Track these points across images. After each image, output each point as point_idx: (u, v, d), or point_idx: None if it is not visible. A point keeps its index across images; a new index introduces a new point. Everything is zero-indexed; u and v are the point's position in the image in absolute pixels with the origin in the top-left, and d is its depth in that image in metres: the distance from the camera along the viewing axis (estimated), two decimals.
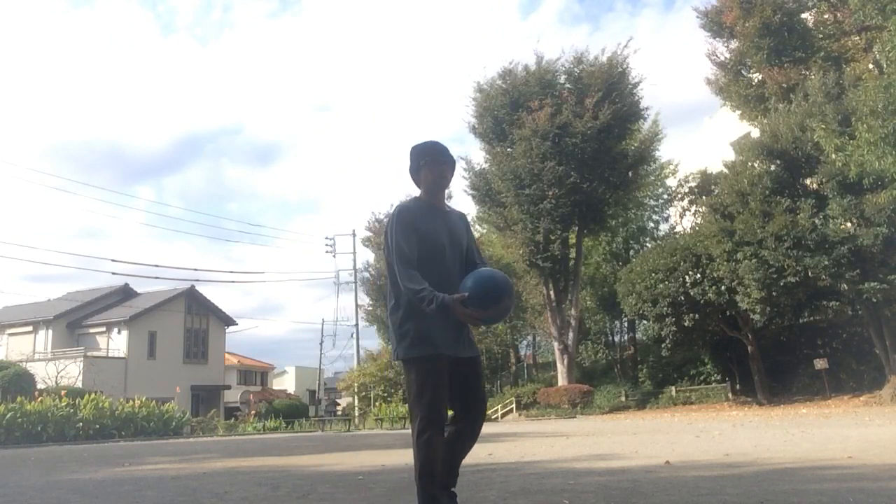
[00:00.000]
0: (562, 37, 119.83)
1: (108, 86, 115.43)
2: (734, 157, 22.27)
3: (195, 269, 44.60)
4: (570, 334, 25.09)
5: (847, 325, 20.50)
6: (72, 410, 15.83)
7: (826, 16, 22.51)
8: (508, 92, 25.20)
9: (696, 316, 19.92)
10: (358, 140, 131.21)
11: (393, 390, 30.66)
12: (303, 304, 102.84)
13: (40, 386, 20.68)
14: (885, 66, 14.75)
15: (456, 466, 2.80)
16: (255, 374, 51.19)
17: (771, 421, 12.12)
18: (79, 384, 24.69)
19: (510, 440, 9.17)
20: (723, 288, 18.64)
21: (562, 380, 25.00)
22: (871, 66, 19.51)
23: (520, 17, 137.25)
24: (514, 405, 26.04)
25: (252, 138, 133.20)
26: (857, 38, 20.88)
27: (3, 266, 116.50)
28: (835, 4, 21.75)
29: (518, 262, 25.81)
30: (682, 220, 28.09)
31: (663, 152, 29.24)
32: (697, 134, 36.84)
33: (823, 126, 15.94)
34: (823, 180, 17.07)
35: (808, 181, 18.64)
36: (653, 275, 20.46)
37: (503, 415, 25.84)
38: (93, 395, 17.20)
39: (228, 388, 38.10)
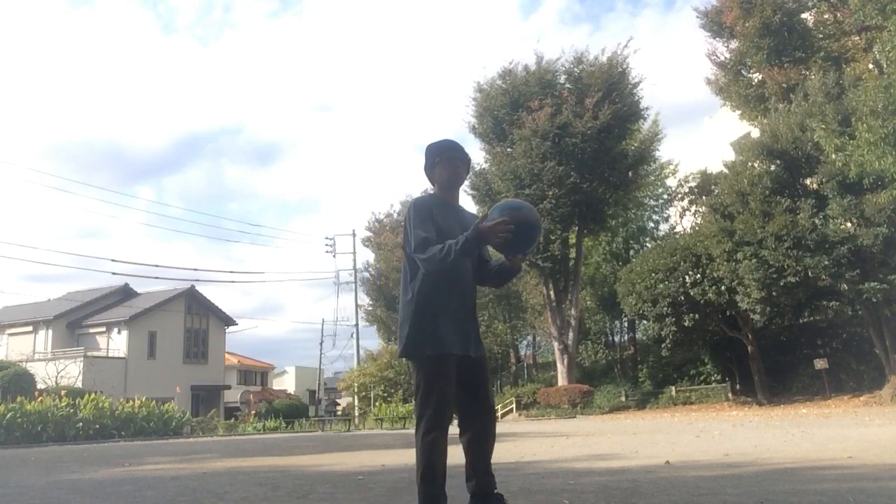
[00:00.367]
0: (562, 37, 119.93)
1: (108, 86, 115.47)
2: (734, 157, 22.27)
3: (195, 269, 44.64)
4: (570, 334, 25.09)
5: (847, 325, 20.50)
6: (72, 410, 15.82)
7: (826, 16, 22.51)
8: (508, 92, 25.20)
9: (696, 316, 19.92)
10: (358, 140, 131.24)
11: (393, 390, 30.67)
12: (303, 304, 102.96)
13: (40, 386, 20.68)
14: (885, 66, 14.75)
15: (488, 468, 2.77)
16: (255, 374, 51.20)
17: (771, 421, 12.12)
18: (79, 384, 24.69)
19: (510, 440, 9.16)
20: (723, 288, 18.64)
21: (562, 380, 25.00)
22: (871, 66, 19.51)
23: (520, 17, 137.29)
24: (514, 405, 26.05)
25: (252, 138, 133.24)
26: (857, 38, 20.88)
27: (3, 266, 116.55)
28: (835, 4, 21.75)
29: None
30: (682, 220, 28.10)
31: (663, 152, 29.29)
32: (697, 134, 36.86)
33: (823, 126, 15.93)
34: (823, 180, 17.07)
35: (808, 181, 18.64)
36: (653, 275, 20.46)
37: (503, 415, 25.85)
38: (93, 395, 17.19)
39: (228, 388, 38.11)
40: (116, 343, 31.42)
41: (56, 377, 25.20)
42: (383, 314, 37.04)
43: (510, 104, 25.00)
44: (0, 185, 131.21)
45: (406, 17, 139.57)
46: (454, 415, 2.83)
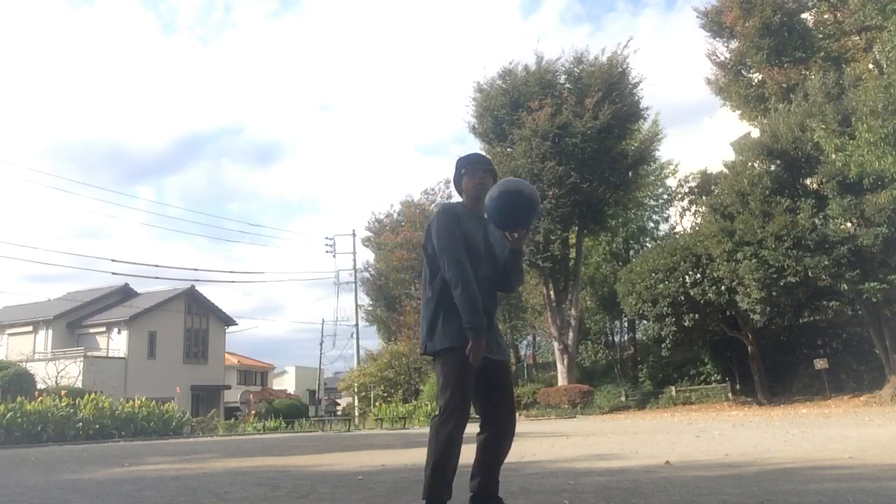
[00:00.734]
0: (563, 37, 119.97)
1: (108, 86, 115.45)
2: (734, 157, 22.26)
3: (195, 269, 44.68)
4: (570, 334, 25.08)
5: (847, 325, 20.49)
6: (72, 410, 15.82)
7: (826, 16, 22.50)
8: (508, 92, 25.19)
9: (696, 316, 19.91)
10: (358, 140, 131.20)
11: (393, 390, 30.66)
12: (303, 304, 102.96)
13: (40, 386, 20.67)
14: (885, 66, 14.74)
15: (496, 471, 2.80)
16: (255, 374, 51.20)
17: (771, 421, 12.12)
18: (79, 384, 24.69)
19: None
20: (723, 288, 18.63)
21: (562, 380, 24.99)
22: (871, 66, 19.51)
23: (521, 17, 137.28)
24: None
25: (253, 138, 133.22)
26: (857, 38, 20.87)
27: (3, 266, 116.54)
28: (835, 4, 21.75)
29: None
30: (682, 220, 28.07)
31: (663, 152, 29.24)
32: (697, 134, 36.85)
33: (823, 126, 15.93)
34: (823, 180, 17.06)
35: (808, 181, 18.63)
36: (653, 275, 20.45)
37: None
38: (93, 395, 17.18)
39: (228, 388, 38.11)
40: (116, 343, 31.41)
41: (56, 377, 25.20)
42: (383, 314, 37.05)
43: (510, 104, 24.99)
44: (0, 185, 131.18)
45: (406, 17, 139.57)
46: (477, 415, 2.86)
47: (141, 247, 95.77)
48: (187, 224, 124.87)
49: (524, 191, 2.79)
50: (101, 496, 4.27)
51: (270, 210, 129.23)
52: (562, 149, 23.37)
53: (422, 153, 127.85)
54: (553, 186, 23.12)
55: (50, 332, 31.70)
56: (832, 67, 19.63)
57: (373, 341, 51.60)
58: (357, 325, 37.20)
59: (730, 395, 22.00)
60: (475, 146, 27.26)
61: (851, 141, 14.01)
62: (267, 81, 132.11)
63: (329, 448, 9.81)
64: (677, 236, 24.88)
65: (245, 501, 3.73)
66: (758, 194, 17.87)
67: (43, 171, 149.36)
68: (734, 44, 24.09)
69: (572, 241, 26.14)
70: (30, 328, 32.21)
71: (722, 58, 24.80)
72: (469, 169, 3.00)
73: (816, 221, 16.88)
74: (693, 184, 26.45)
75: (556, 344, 25.67)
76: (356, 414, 30.90)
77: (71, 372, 26.84)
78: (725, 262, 18.31)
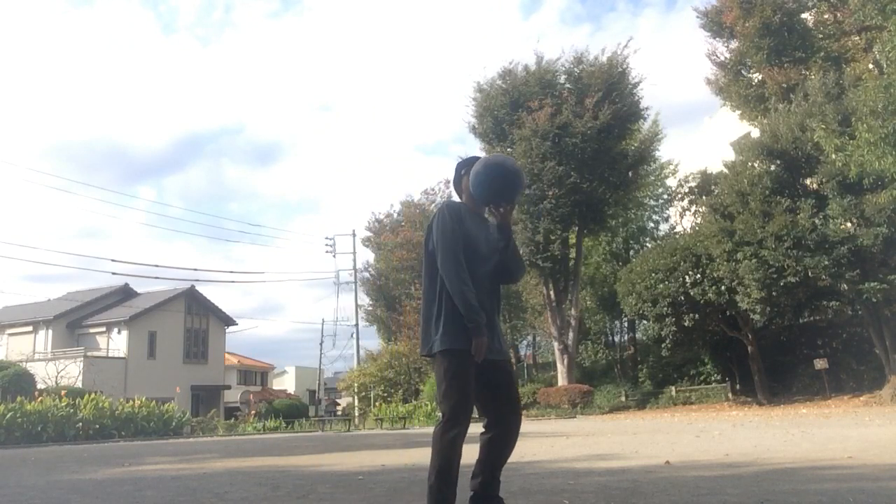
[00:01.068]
0: (563, 36, 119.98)
1: (108, 86, 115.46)
2: (734, 157, 22.25)
3: (195, 269, 44.68)
4: (570, 334, 25.08)
5: (847, 325, 20.49)
6: (72, 410, 15.82)
7: (826, 16, 22.49)
8: (508, 92, 25.18)
9: (696, 316, 19.91)
10: (358, 140, 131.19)
11: (393, 390, 30.66)
12: (303, 304, 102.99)
13: (40, 386, 20.67)
14: (885, 66, 14.74)
15: (497, 472, 2.80)
16: (255, 374, 51.20)
17: (771, 421, 12.12)
18: (79, 384, 24.69)
19: None
20: (723, 288, 18.63)
21: (562, 380, 24.99)
22: (871, 66, 19.50)
23: (521, 17, 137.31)
24: None
25: (253, 138, 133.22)
26: (857, 38, 20.87)
27: (3, 266, 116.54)
28: (835, 4, 21.74)
29: None
30: (682, 220, 28.07)
31: (663, 152, 29.23)
32: (697, 134, 36.85)
33: (823, 126, 15.92)
34: (823, 180, 17.06)
35: (808, 181, 18.63)
36: (653, 275, 20.45)
37: None
38: (93, 395, 17.18)
39: (228, 388, 38.11)
40: (116, 343, 31.41)
41: (56, 377, 25.20)
42: (383, 314, 37.05)
43: (510, 104, 24.98)
44: (0, 185, 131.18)
45: (406, 18, 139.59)
46: (483, 417, 2.86)
47: (141, 247, 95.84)
48: (187, 224, 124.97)
49: (507, 163, 2.88)
50: (101, 496, 4.28)
51: (270, 210, 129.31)
52: (562, 149, 23.37)
53: (422, 153, 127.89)
54: (553, 186, 23.12)
55: (50, 332, 31.70)
56: (832, 67, 19.63)
57: (373, 341, 51.64)
58: (357, 325, 37.23)
59: (730, 395, 21.99)
60: (475, 146, 27.27)
61: (851, 141, 14.00)
62: (267, 81, 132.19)
63: (329, 448, 9.81)
64: (677, 236, 24.87)
65: (245, 501, 3.73)
66: (758, 194, 17.87)
67: (43, 171, 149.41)
68: (734, 44, 24.08)
69: (572, 241, 26.14)
70: (30, 328, 32.21)
71: (722, 58, 24.80)
72: (468, 170, 3.02)
73: (816, 221, 16.87)
74: (693, 184, 26.45)
75: (556, 344, 25.67)
76: (356, 414, 30.90)
77: (71, 372, 26.84)
78: (725, 262, 18.31)
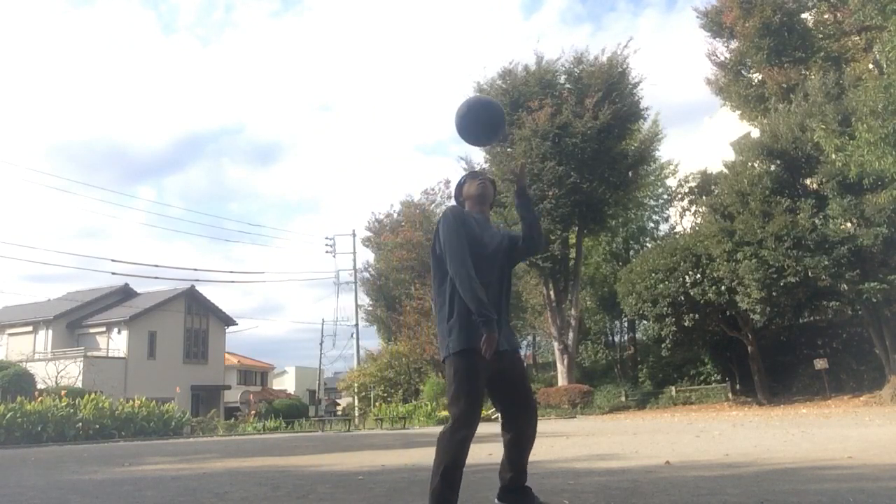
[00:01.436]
0: (564, 36, 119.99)
1: (109, 86, 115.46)
2: (734, 157, 22.25)
3: (195, 269, 44.72)
4: (570, 334, 25.08)
5: (847, 325, 20.49)
6: (72, 410, 15.82)
7: (826, 16, 22.49)
8: (508, 92, 25.18)
9: (696, 316, 19.90)
10: (358, 140, 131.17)
11: (392, 390, 30.66)
12: (303, 304, 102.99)
13: (40, 386, 20.66)
14: (885, 66, 14.73)
15: (524, 464, 2.89)
16: (255, 374, 51.19)
17: (771, 421, 12.12)
18: (79, 384, 24.68)
19: None
20: (723, 288, 18.63)
21: (562, 380, 24.99)
22: (871, 66, 19.50)
23: (522, 17, 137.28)
24: None
25: (253, 138, 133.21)
26: (857, 38, 20.86)
27: (3, 266, 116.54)
28: (835, 4, 21.74)
29: None
30: (682, 220, 28.07)
31: (663, 152, 29.25)
32: (697, 134, 36.85)
33: (823, 126, 15.92)
34: (823, 180, 17.06)
35: (808, 181, 18.63)
36: (653, 275, 20.45)
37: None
38: (93, 395, 17.18)
39: (228, 388, 38.11)
40: (116, 343, 31.41)
41: (56, 377, 25.19)
42: (383, 314, 37.02)
43: (510, 104, 24.97)
44: (0, 185, 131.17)
45: (406, 17, 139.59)
46: (497, 412, 2.93)
47: (141, 247, 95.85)
48: (187, 224, 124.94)
49: (482, 98, 3.18)
50: (101, 496, 4.27)
51: (270, 210, 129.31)
52: (562, 149, 23.37)
53: (422, 153, 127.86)
54: (553, 186, 23.12)
55: (50, 332, 31.70)
56: (832, 67, 19.63)
57: (373, 341, 51.65)
58: (357, 325, 37.24)
59: (730, 395, 22.00)
60: (475, 146, 27.22)
61: (851, 141, 14.00)
62: (267, 81, 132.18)
63: (329, 448, 9.81)
64: (677, 236, 24.87)
65: (245, 501, 3.74)
66: (758, 194, 17.87)
67: (43, 171, 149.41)
68: (734, 44, 24.07)
69: (572, 241, 26.14)
70: (30, 328, 32.21)
71: (722, 58, 24.79)
72: (469, 177, 3.17)
73: (816, 221, 16.87)
74: (693, 184, 26.45)
75: (556, 344, 25.67)
76: (356, 414, 30.90)
77: (71, 372, 26.83)
78: (725, 262, 18.31)
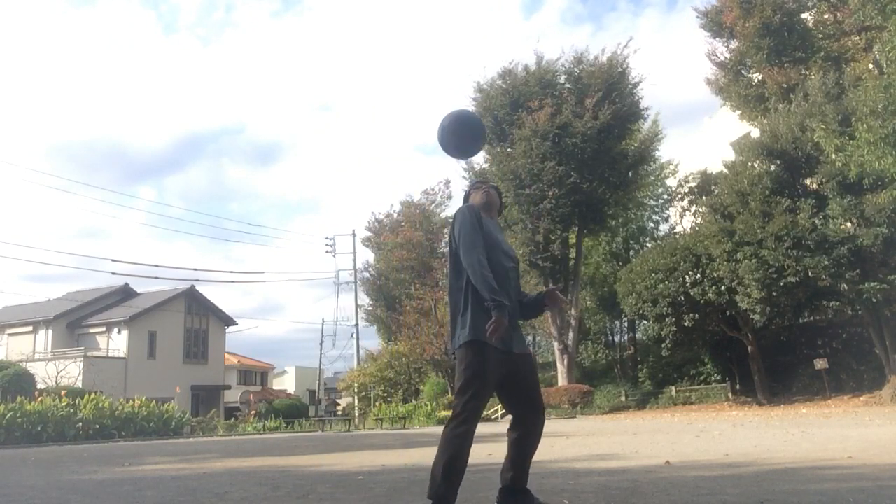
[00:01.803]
0: (564, 36, 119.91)
1: (109, 85, 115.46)
2: (734, 157, 22.26)
3: (195, 269, 44.63)
4: (570, 334, 25.09)
5: (847, 325, 20.49)
6: (72, 410, 15.81)
7: (826, 16, 22.50)
8: (508, 92, 25.20)
9: (696, 316, 19.91)
10: (358, 140, 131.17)
11: (392, 390, 30.67)
12: (303, 304, 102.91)
13: (40, 386, 20.66)
14: (885, 66, 14.73)
15: (527, 466, 2.90)
16: (255, 374, 51.17)
17: (771, 421, 12.12)
18: (79, 384, 24.67)
19: None
20: (723, 288, 18.63)
21: (562, 380, 24.99)
22: (871, 66, 19.50)
23: (522, 18, 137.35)
24: None
25: (253, 138, 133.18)
26: (857, 38, 20.88)
27: (3, 266, 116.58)
28: (835, 4, 21.75)
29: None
30: (682, 220, 28.08)
31: (663, 152, 29.28)
32: (697, 134, 36.87)
33: (823, 126, 15.93)
34: (823, 180, 17.07)
35: (808, 181, 18.64)
36: (653, 275, 20.46)
37: (503, 415, 25.83)
38: (93, 395, 17.18)
39: (228, 388, 38.09)
40: (116, 343, 31.40)
41: (56, 377, 25.19)
42: (383, 314, 37.05)
43: (510, 104, 25.00)
44: (0, 185, 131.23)
45: (407, 17, 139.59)
46: (507, 412, 2.94)
47: (141, 247, 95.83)
48: (187, 224, 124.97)
49: (463, 111, 3.18)
50: (101, 496, 4.27)
51: (270, 210, 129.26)
52: (562, 149, 23.38)
53: (422, 153, 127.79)
54: (553, 186, 23.12)
55: (50, 332, 31.69)
56: (832, 67, 19.64)
57: (373, 341, 51.67)
58: (357, 325, 37.24)
59: (730, 395, 22.00)
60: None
61: (851, 141, 14.01)
62: (267, 81, 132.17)
63: (329, 448, 9.81)
64: (677, 236, 24.88)
65: (245, 501, 3.74)
66: (758, 194, 17.87)
67: (43, 171, 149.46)
68: (734, 44, 24.09)
69: (572, 241, 26.16)
70: (30, 328, 32.20)
71: (722, 58, 24.81)
72: (474, 187, 3.23)
73: (816, 221, 16.88)
74: (693, 184, 26.46)
75: (556, 344, 25.68)
76: (356, 414, 30.90)
77: (71, 372, 26.82)
78: (725, 262, 18.31)
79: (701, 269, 19.71)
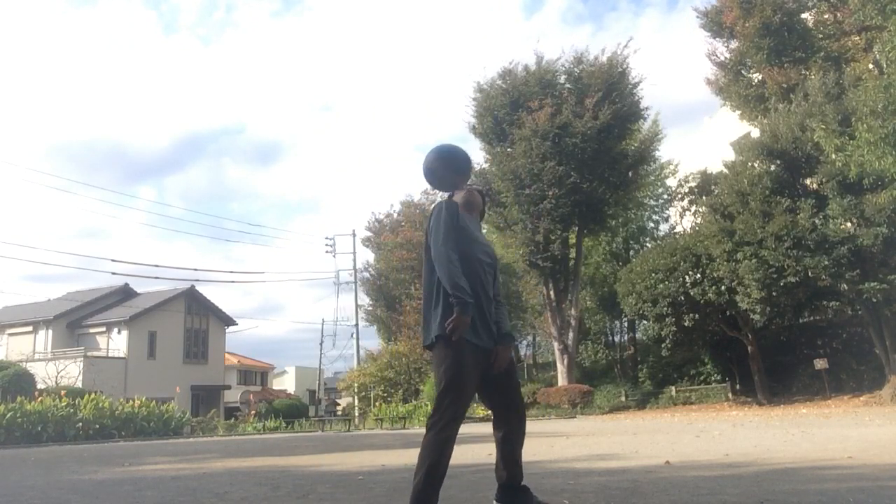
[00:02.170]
0: (565, 36, 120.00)
1: (109, 85, 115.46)
2: (734, 157, 22.25)
3: (195, 269, 44.69)
4: (570, 334, 25.08)
5: (847, 325, 20.48)
6: (72, 410, 15.81)
7: (826, 16, 22.48)
8: (508, 92, 25.18)
9: (696, 316, 19.90)
10: (358, 140, 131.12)
11: (392, 390, 30.63)
12: (303, 304, 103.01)
13: (40, 386, 20.67)
14: (885, 66, 14.73)
15: (519, 462, 2.90)
16: (255, 374, 51.19)
17: (771, 421, 12.12)
18: (79, 384, 24.69)
19: None
20: (723, 288, 18.63)
21: (562, 380, 24.99)
22: (871, 66, 19.50)
23: (523, 17, 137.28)
24: None
25: (253, 138, 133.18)
26: (857, 38, 20.86)
27: (3, 266, 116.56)
28: (835, 4, 21.74)
29: (518, 262, 25.81)
30: (682, 220, 28.07)
31: (663, 152, 29.22)
32: (697, 134, 36.87)
33: (823, 126, 15.92)
34: (823, 180, 17.05)
35: (808, 181, 18.63)
36: (653, 275, 20.45)
37: None
38: (93, 395, 17.18)
39: (228, 388, 38.11)
40: (116, 343, 31.41)
41: (56, 377, 25.20)
42: (383, 314, 37.03)
43: (510, 104, 24.98)
44: (0, 185, 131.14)
45: (407, 18, 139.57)
46: (488, 409, 2.94)
47: (141, 247, 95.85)
48: (187, 224, 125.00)
49: (446, 146, 3.14)
50: (101, 496, 4.27)
51: (270, 210, 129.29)
52: (562, 149, 23.37)
53: (422, 153, 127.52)
54: (553, 186, 23.11)
55: (50, 332, 31.69)
56: (832, 67, 19.62)
57: (373, 341, 51.65)
58: (357, 325, 37.24)
59: (730, 395, 21.99)
60: (475, 146, 27.20)
61: (851, 141, 14.00)
62: (268, 81, 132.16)
63: (329, 448, 9.81)
64: (677, 236, 24.86)
65: (245, 501, 3.74)
66: (758, 194, 17.86)
67: (43, 171, 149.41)
68: (734, 44, 24.07)
69: (572, 241, 26.14)
70: (30, 328, 32.21)
71: (722, 58, 24.79)
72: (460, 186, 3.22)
73: (816, 221, 16.87)
74: (693, 184, 26.44)
75: (555, 344, 25.67)
76: (356, 414, 30.90)
77: (71, 372, 26.83)
78: (725, 262, 18.31)
79: (701, 269, 19.70)
